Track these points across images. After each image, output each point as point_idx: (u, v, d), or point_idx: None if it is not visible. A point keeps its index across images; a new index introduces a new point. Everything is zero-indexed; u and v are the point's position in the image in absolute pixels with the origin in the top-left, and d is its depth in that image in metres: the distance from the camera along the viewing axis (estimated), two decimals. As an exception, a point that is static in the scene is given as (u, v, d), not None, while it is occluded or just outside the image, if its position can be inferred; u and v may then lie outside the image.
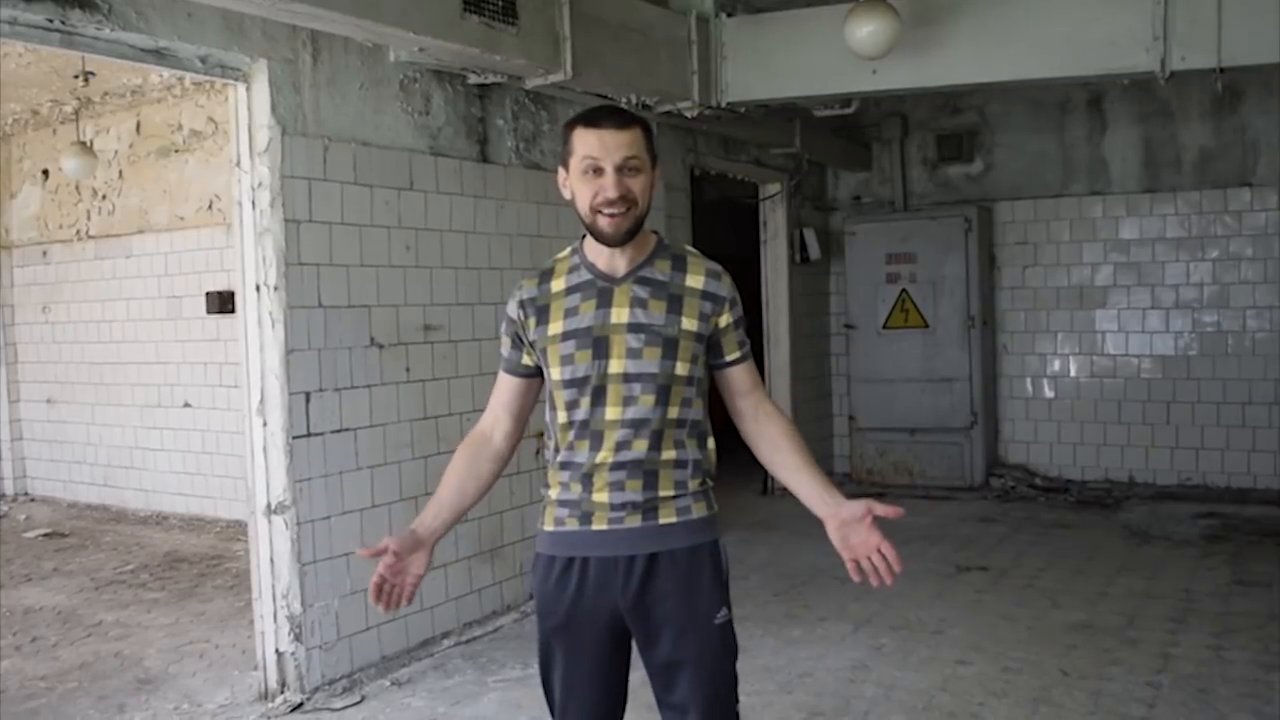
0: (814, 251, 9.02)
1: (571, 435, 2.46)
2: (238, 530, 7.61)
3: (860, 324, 9.11)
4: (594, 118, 2.45)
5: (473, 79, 5.39)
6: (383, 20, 4.30)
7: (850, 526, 2.43)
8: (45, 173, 9.34)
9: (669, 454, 2.44)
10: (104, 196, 8.98)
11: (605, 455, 2.42)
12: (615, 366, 2.42)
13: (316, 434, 4.66)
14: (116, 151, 8.75)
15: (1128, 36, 5.56)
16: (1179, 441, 8.55)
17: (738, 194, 9.20)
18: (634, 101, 6.07)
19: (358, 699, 4.62)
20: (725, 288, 2.51)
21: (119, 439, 9.00)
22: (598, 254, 2.48)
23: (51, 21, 3.75)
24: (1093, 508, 8.20)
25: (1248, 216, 8.32)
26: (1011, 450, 9.13)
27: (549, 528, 2.51)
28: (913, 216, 9.08)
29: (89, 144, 8.41)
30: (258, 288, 4.54)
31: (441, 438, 5.29)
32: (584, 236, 2.51)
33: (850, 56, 5.82)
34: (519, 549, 5.76)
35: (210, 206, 8.24)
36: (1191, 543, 6.99)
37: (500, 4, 4.79)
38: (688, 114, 6.36)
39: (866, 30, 5.62)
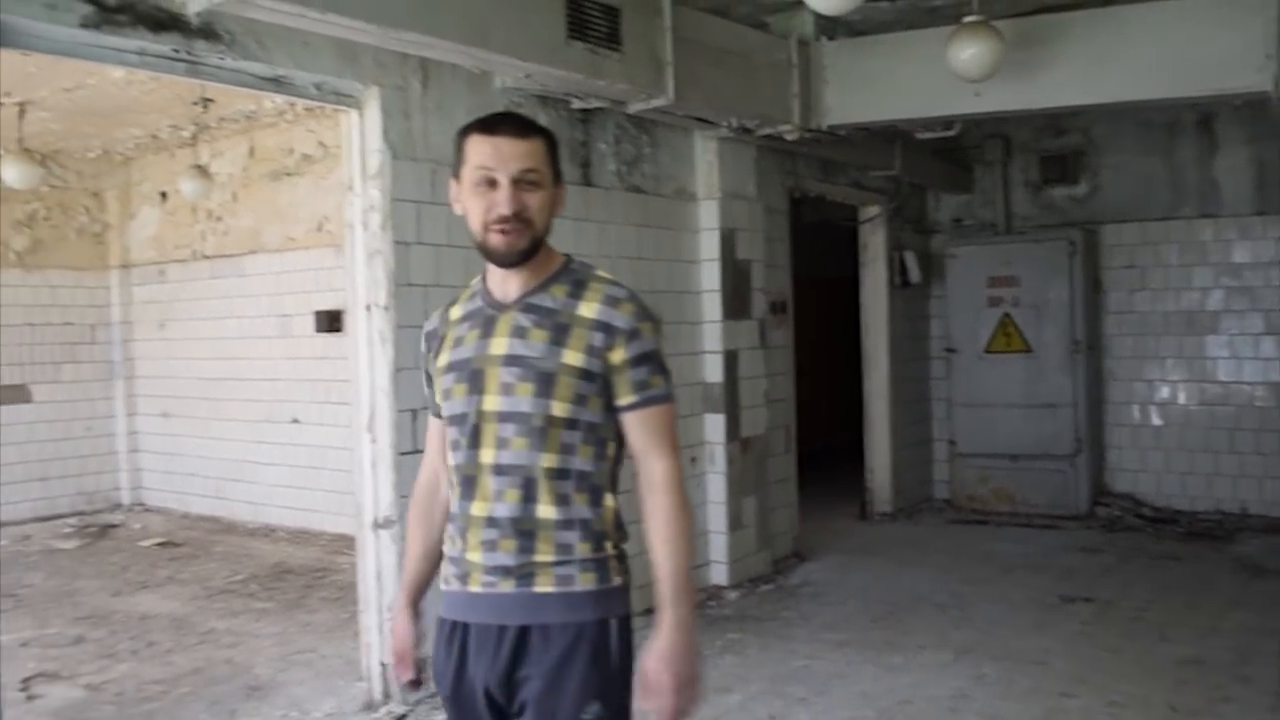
0: (914, 274, 8.94)
1: (456, 480, 2.22)
2: (343, 544, 7.76)
3: (961, 348, 9.00)
4: (490, 124, 2.20)
5: (576, 104, 5.48)
6: (490, 48, 4.42)
7: (647, 668, 2.12)
8: (163, 195, 9.71)
9: (548, 511, 2.12)
10: (218, 218, 9.30)
11: (480, 507, 2.16)
12: (489, 403, 2.14)
13: (423, 451, 4.74)
14: (231, 174, 9.08)
15: (1239, 56, 5.45)
16: (1295, 472, 8.27)
17: (837, 216, 9.16)
18: (735, 125, 6.11)
19: (458, 712, 4.69)
20: (624, 317, 2.13)
21: (230, 452, 9.28)
22: (493, 278, 2.23)
23: (177, 52, 3.92)
24: (1203, 539, 7.96)
25: (1366, 240, 8.04)
26: (1118, 479, 8.90)
27: (441, 586, 2.29)
28: (1015, 239, 8.95)
29: (205, 167, 8.71)
30: (368, 308, 4.67)
31: (542, 456, 5.35)
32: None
33: (952, 79, 5.77)
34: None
35: (319, 228, 8.49)
36: (1308, 577, 6.76)
37: (604, 30, 4.88)
38: (788, 137, 6.37)
39: (969, 52, 5.58)
